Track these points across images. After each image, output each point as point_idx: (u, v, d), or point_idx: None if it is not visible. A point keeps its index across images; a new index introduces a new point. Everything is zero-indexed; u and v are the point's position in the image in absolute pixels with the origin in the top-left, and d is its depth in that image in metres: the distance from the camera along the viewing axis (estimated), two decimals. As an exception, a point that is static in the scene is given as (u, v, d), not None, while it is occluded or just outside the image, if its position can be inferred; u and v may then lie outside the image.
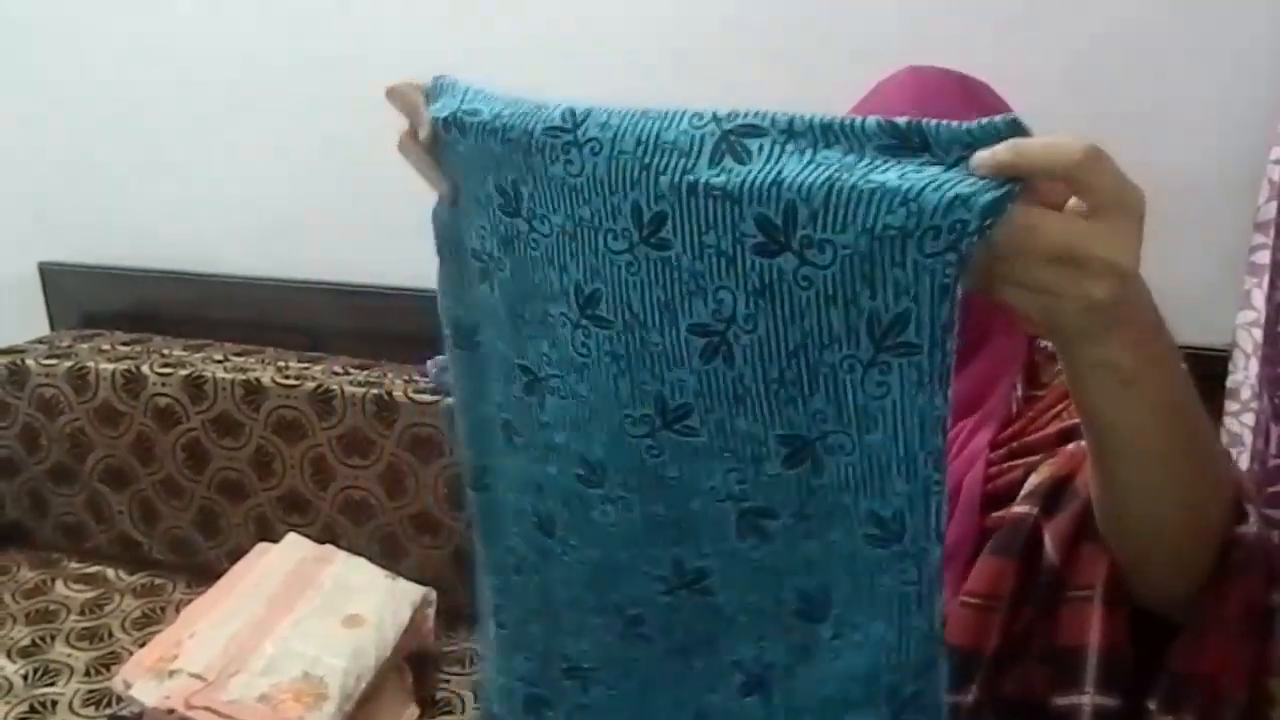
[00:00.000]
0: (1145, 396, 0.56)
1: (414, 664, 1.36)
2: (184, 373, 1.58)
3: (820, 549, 0.54)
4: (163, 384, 1.58)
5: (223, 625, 1.25)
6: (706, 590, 0.58)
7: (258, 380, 1.54)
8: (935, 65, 0.89)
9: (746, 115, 0.48)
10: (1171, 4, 1.18)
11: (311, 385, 1.51)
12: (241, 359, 1.62)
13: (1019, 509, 0.72)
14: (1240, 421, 1.17)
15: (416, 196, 1.74)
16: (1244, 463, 1.13)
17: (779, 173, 0.46)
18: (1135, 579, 0.67)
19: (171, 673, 1.18)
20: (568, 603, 0.63)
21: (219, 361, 1.61)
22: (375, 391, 1.48)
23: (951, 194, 0.44)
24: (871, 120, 0.47)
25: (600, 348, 0.54)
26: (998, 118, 0.47)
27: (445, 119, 0.59)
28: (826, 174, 0.45)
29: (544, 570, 0.64)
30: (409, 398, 1.46)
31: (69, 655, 1.44)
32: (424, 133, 0.64)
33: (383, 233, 1.61)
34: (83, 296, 1.83)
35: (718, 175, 0.47)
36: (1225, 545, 0.64)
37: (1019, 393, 0.91)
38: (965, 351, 0.86)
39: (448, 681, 1.38)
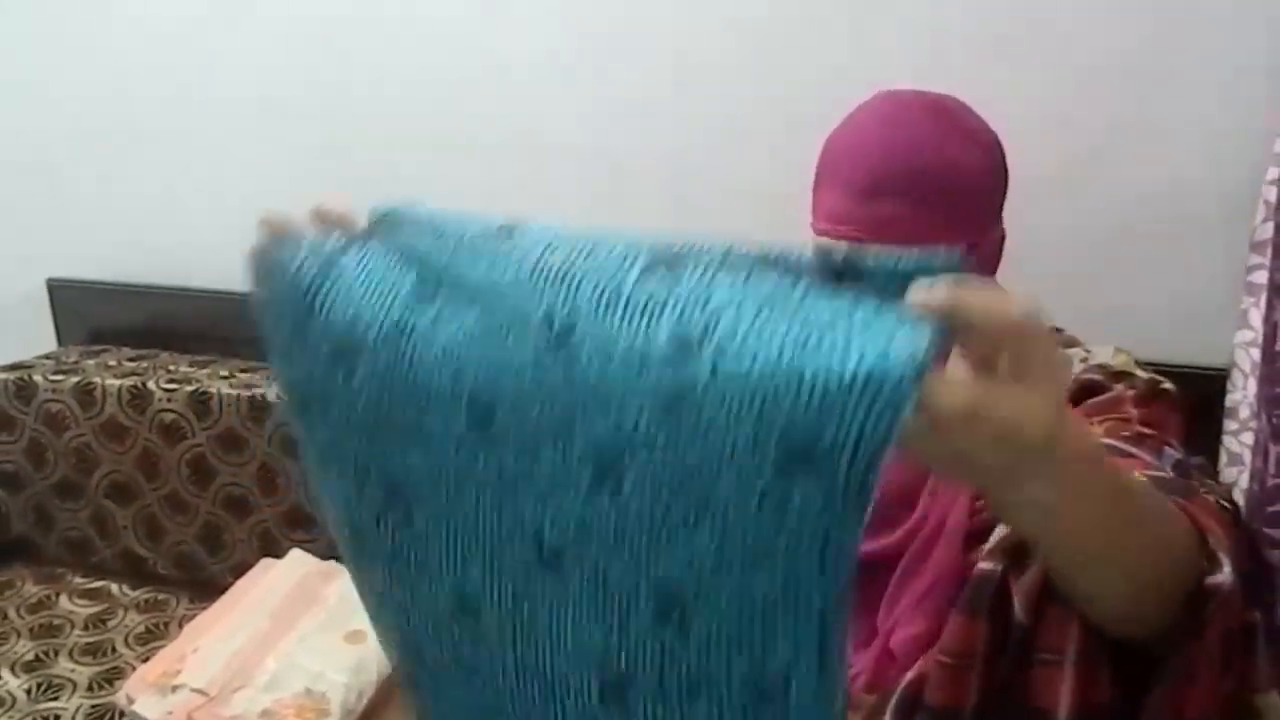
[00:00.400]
0: (1074, 519, 0.55)
1: (416, 680, 1.36)
2: (190, 389, 1.59)
3: None
4: (168, 400, 1.60)
5: (226, 641, 1.26)
6: None
7: (263, 396, 1.55)
8: (910, 89, 0.89)
9: (685, 243, 0.46)
10: (1169, 27, 1.19)
11: (316, 401, 1.52)
12: (247, 375, 1.63)
13: (985, 565, 0.72)
14: (1239, 441, 1.17)
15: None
16: (1243, 482, 1.13)
17: (707, 293, 0.44)
18: (1103, 625, 0.67)
19: (175, 688, 1.18)
20: None
21: (225, 378, 1.62)
22: (379, 408, 1.49)
23: (880, 339, 0.41)
24: (808, 253, 0.45)
25: (484, 466, 0.49)
26: (938, 254, 0.46)
27: (382, 213, 0.56)
28: (755, 298, 0.43)
29: (421, 697, 0.58)
30: (413, 414, 1.47)
31: (72, 670, 1.45)
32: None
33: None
34: (90, 312, 1.84)
35: (641, 289, 0.45)
36: (1197, 596, 0.63)
37: None
38: None
39: (449, 698, 1.38)
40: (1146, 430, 0.81)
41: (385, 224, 0.55)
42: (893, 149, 0.85)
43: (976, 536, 0.82)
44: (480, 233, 0.51)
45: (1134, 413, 0.82)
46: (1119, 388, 0.85)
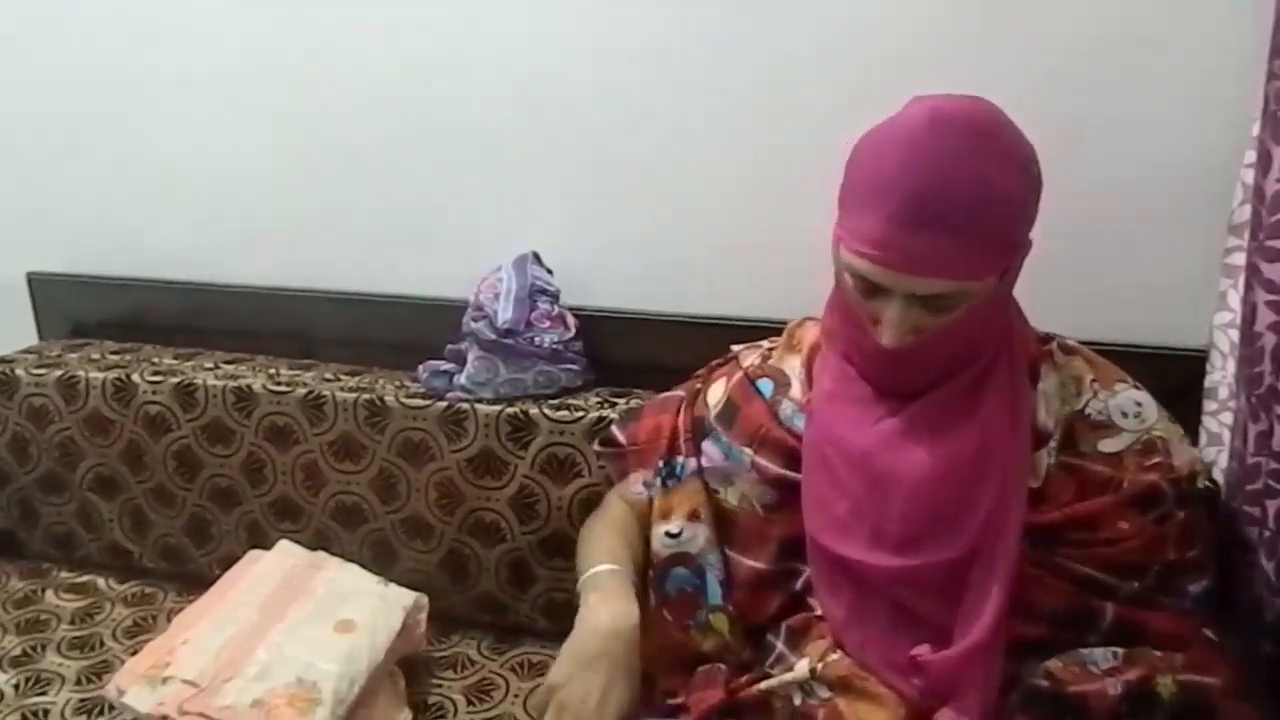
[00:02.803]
0: None
1: (406, 669, 1.36)
2: (174, 380, 1.58)
3: None
4: (153, 392, 1.59)
5: (215, 632, 1.26)
6: None
7: (248, 387, 1.55)
8: (949, 98, 0.88)
9: None
10: (1149, 13, 1.20)
11: (302, 391, 1.52)
12: (232, 366, 1.62)
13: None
14: (1219, 421, 1.19)
15: (406, 204, 1.77)
16: (1223, 461, 1.15)
17: None
18: None
19: (165, 679, 1.18)
20: None
21: (209, 369, 1.61)
22: (366, 397, 1.49)
23: None
24: None
25: None
26: None
27: None
28: None
29: None
30: (400, 402, 1.47)
31: (60, 664, 1.44)
32: None
33: (373, 240, 1.62)
34: (72, 305, 1.83)
35: None
36: None
37: (1052, 459, 0.94)
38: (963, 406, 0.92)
39: (440, 686, 1.39)
40: (1180, 560, 0.94)
41: None
42: (935, 181, 0.84)
43: (1039, 534, 0.91)
44: None
45: (1174, 534, 0.94)
46: (1173, 502, 0.94)
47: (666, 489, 1.11)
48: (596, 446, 1.28)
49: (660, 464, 1.14)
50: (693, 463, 1.10)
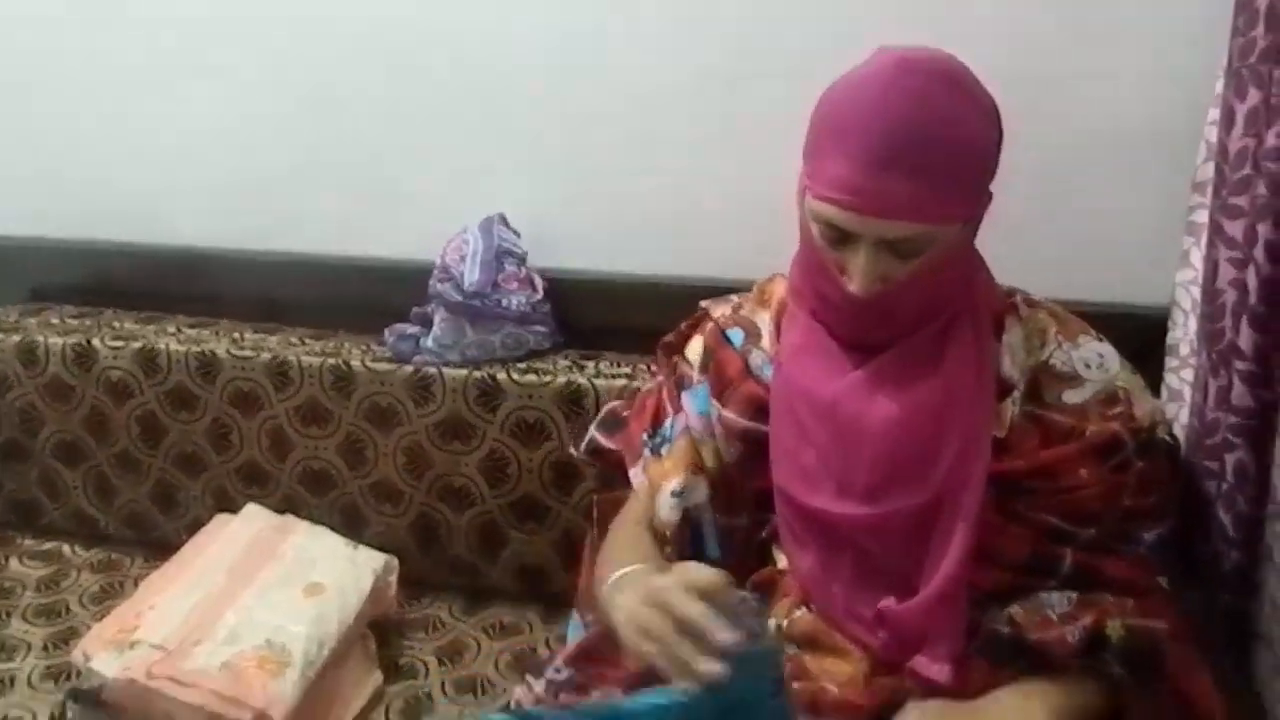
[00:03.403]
0: None
1: (377, 631, 1.37)
2: (136, 345, 1.56)
3: None
4: (115, 357, 1.56)
5: (183, 596, 1.25)
6: None
7: (212, 352, 1.52)
8: (913, 49, 0.88)
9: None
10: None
11: (267, 357, 1.50)
12: (195, 331, 1.60)
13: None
14: (1180, 377, 1.21)
15: (371, 165, 1.74)
16: (1183, 417, 1.17)
17: None
18: None
19: (132, 644, 1.17)
20: None
21: (172, 334, 1.59)
22: (332, 361, 1.47)
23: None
24: None
25: None
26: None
27: None
28: None
29: None
30: (367, 367, 1.46)
31: (26, 631, 1.43)
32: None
33: (339, 201, 1.60)
34: (30, 270, 1.79)
35: None
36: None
37: (1016, 409, 0.95)
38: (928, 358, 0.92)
39: (412, 648, 1.39)
40: (1135, 507, 0.96)
41: None
42: (905, 122, 0.84)
43: (1002, 482, 0.92)
44: None
45: (1133, 483, 0.95)
46: (1132, 451, 0.95)
47: (660, 456, 1.09)
48: (587, 457, 1.23)
49: (647, 437, 1.12)
50: (681, 419, 1.09)
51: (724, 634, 0.76)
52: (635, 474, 1.12)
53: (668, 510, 1.05)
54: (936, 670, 0.90)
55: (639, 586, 0.85)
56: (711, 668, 0.75)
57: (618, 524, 1.13)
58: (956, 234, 0.91)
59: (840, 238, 0.90)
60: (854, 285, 0.90)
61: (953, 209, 0.89)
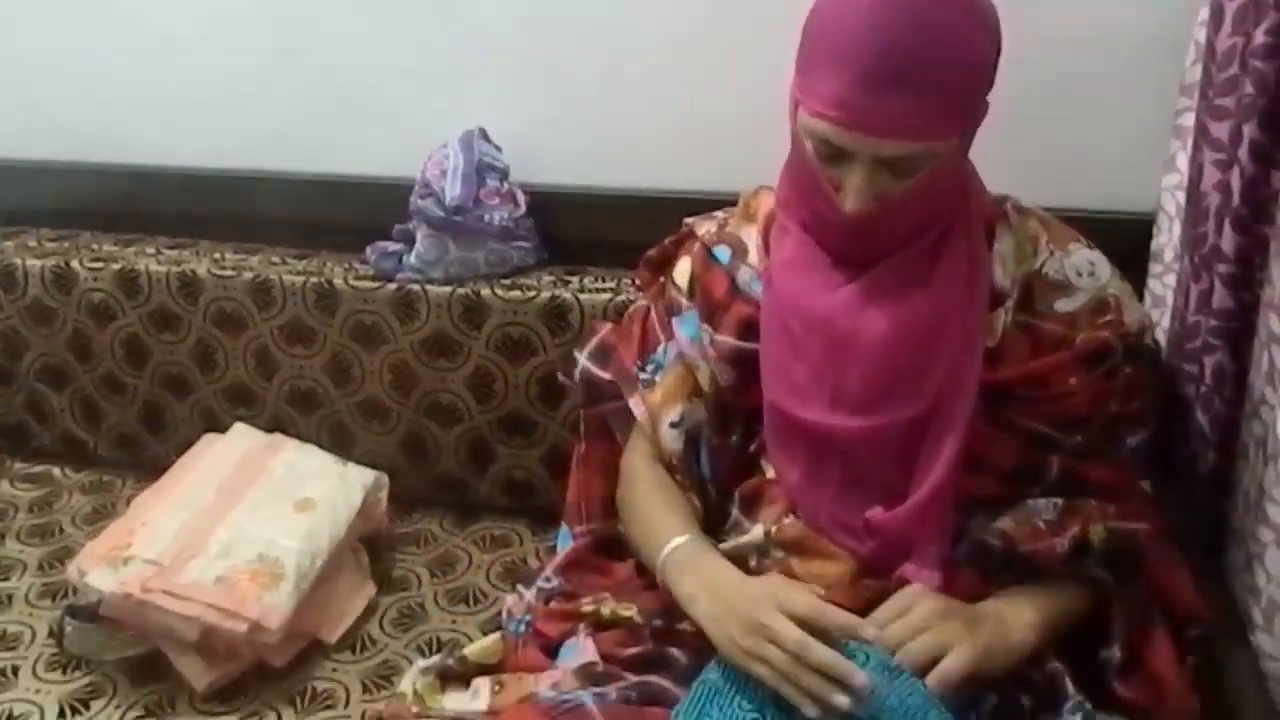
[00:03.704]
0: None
1: (369, 547, 1.39)
2: (116, 267, 1.54)
3: None
4: (94, 279, 1.55)
5: (174, 514, 1.26)
6: None
7: (193, 272, 1.51)
8: None
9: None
10: None
11: (249, 276, 1.49)
12: (175, 252, 1.58)
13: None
14: (1163, 283, 1.21)
15: (348, 78, 1.70)
16: (1165, 322, 1.17)
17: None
18: None
19: (126, 560, 1.19)
20: None
21: (152, 255, 1.57)
22: (315, 280, 1.46)
23: None
24: None
25: None
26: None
27: None
28: None
29: None
30: (350, 285, 1.45)
31: (20, 551, 1.44)
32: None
33: (315, 117, 1.57)
34: (2, 194, 1.76)
35: None
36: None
37: (1008, 319, 0.95)
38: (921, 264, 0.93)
39: (404, 561, 1.41)
40: (1121, 412, 0.97)
41: None
42: (903, 38, 0.82)
43: (993, 391, 0.93)
44: None
45: (1120, 388, 0.96)
46: (1120, 358, 0.96)
47: (655, 385, 1.09)
48: (579, 385, 1.18)
49: (639, 365, 1.11)
50: (674, 346, 1.09)
51: (859, 677, 0.81)
52: (635, 404, 1.11)
53: (670, 441, 1.06)
54: (926, 576, 0.92)
55: (720, 597, 0.91)
56: (844, 700, 0.81)
57: (635, 466, 1.11)
58: (953, 149, 0.90)
59: (834, 155, 0.89)
60: (848, 204, 0.89)
61: (951, 125, 0.87)
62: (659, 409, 1.07)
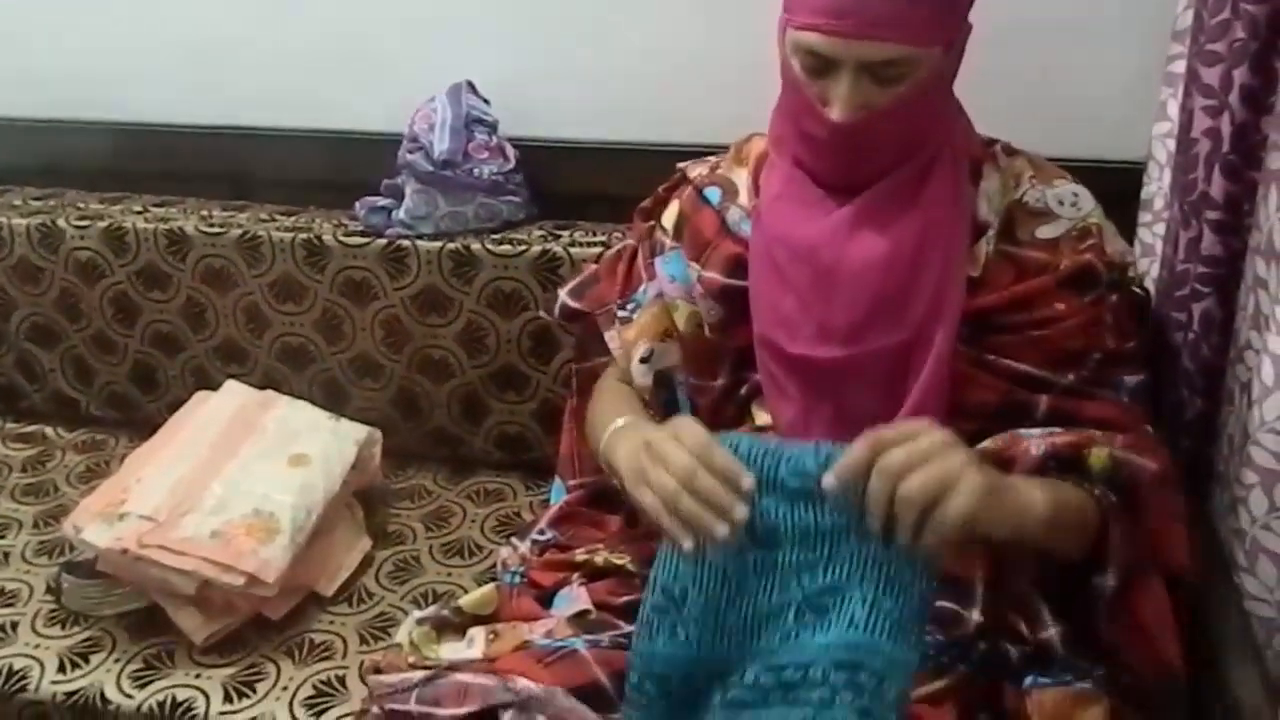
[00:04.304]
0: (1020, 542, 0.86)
1: (364, 501, 1.39)
2: (103, 225, 1.53)
3: None
4: (81, 237, 1.54)
5: (168, 470, 1.26)
6: None
7: (181, 230, 1.50)
8: None
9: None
10: None
11: (238, 232, 1.48)
12: (162, 209, 1.57)
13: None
14: (1152, 232, 1.21)
15: (333, 32, 1.68)
16: (1154, 271, 1.18)
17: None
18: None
19: (121, 516, 1.19)
20: None
21: (138, 213, 1.56)
22: (304, 236, 1.46)
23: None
24: None
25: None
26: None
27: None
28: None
29: None
30: (339, 241, 1.45)
31: (15, 510, 1.45)
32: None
33: (301, 71, 1.55)
34: (-14, 151, 1.74)
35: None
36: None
37: (990, 248, 0.95)
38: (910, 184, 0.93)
39: (399, 515, 1.42)
40: (1117, 350, 0.96)
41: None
42: None
43: (978, 319, 0.94)
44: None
45: (1110, 319, 0.96)
46: (1106, 285, 0.96)
47: (631, 322, 1.10)
48: (560, 320, 1.21)
49: (619, 304, 1.12)
50: (654, 285, 1.10)
51: (746, 479, 0.78)
52: (611, 337, 1.12)
53: (639, 376, 1.08)
54: None
55: (634, 437, 0.88)
56: (741, 513, 0.78)
57: (601, 385, 1.15)
58: (937, 61, 0.90)
59: (822, 66, 0.90)
60: (836, 113, 0.90)
61: (934, 30, 0.88)
62: (631, 345, 1.09)
